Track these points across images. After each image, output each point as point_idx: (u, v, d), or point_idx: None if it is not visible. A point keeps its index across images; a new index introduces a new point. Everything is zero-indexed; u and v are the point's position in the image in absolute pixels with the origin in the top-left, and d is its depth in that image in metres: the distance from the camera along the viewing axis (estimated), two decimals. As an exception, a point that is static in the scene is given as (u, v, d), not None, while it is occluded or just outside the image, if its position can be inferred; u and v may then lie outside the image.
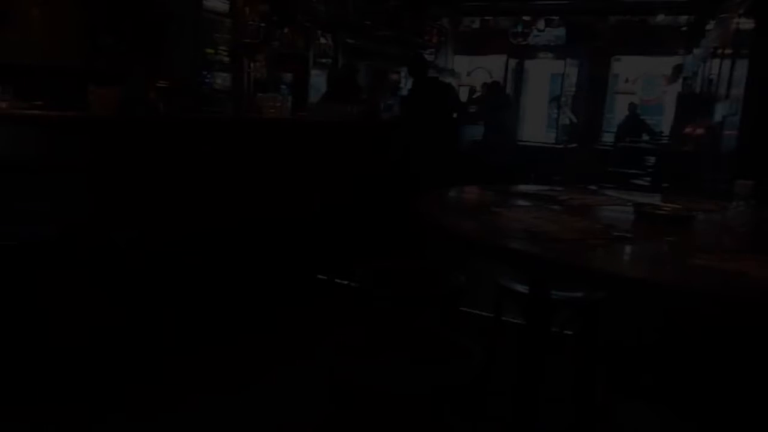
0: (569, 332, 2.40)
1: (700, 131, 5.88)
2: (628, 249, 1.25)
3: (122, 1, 4.28)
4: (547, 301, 1.71)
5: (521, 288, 2.11)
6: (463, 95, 8.00)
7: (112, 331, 2.43)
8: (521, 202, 1.80)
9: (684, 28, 8.19)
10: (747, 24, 4.42)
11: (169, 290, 2.66)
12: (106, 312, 2.43)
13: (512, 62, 9.83)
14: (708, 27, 6.84)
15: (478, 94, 8.30)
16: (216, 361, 2.60)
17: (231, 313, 2.96)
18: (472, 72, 10.21)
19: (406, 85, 9.08)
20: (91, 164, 2.36)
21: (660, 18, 8.51)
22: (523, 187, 2.19)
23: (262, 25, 5.83)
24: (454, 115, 5.07)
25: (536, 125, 10.13)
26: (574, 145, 8.81)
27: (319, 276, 3.82)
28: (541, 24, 9.27)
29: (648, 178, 6.72)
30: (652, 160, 7.13)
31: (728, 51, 5.08)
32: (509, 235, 1.19)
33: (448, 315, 2.02)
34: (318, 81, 7.05)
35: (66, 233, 2.28)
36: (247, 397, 2.32)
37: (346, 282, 3.80)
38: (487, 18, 9.62)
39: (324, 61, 7.15)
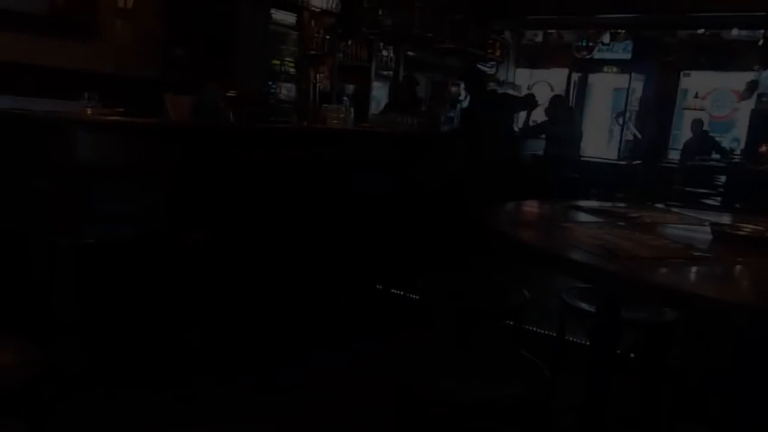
0: (632, 353, 2.33)
1: (776, 150, 5.60)
2: (709, 269, 1.21)
3: (195, 16, 4.47)
4: (618, 320, 1.67)
5: (587, 306, 2.07)
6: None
7: (177, 325, 2.54)
8: (591, 218, 1.77)
9: (760, 43, 7.84)
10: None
11: (231, 292, 2.74)
12: (175, 308, 2.54)
13: (575, 76, 9.66)
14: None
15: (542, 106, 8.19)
16: (273, 363, 2.66)
17: (290, 317, 3.01)
18: (533, 86, 10.09)
19: (467, 97, 9.09)
20: (169, 169, 2.47)
21: (734, 33, 8.18)
22: (589, 203, 2.15)
23: (327, 37, 5.97)
24: (515, 129, 5.02)
25: (598, 140, 9.89)
26: (638, 161, 8.55)
27: (377, 286, 3.84)
28: (606, 38, 9.07)
29: (718, 198, 6.44)
30: (722, 179, 6.83)
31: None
32: (586, 251, 1.17)
33: (510, 330, 2.00)
34: (379, 93, 7.15)
35: (145, 234, 2.39)
36: (306, 402, 2.36)
37: (401, 292, 3.82)
38: (550, 31, 9.51)
39: (385, 73, 7.25)
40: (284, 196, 2.98)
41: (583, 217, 1.79)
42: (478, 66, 7.16)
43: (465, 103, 8.44)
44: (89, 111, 2.49)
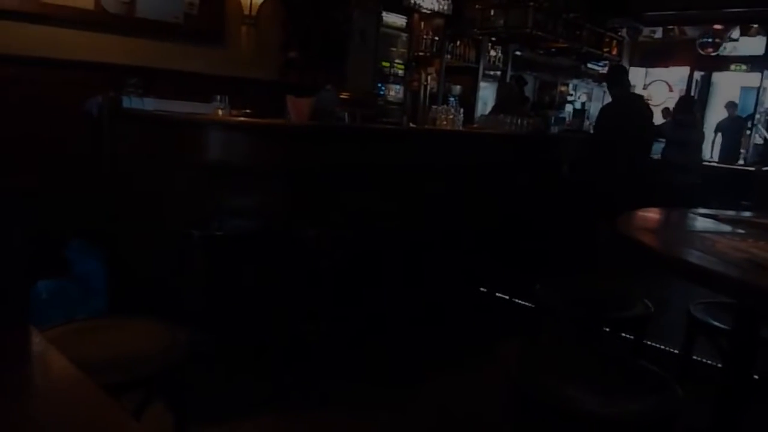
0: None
1: None
2: None
3: (311, 21, 4.65)
4: (757, 340, 1.55)
5: (718, 322, 1.94)
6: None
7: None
8: (728, 228, 1.65)
9: None
10: None
11: (343, 288, 2.83)
12: (290, 299, 2.67)
13: (697, 74, 9.02)
14: None
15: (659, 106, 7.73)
16: (382, 358, 2.72)
17: (400, 313, 3.06)
18: (649, 85, 9.55)
19: (579, 97, 8.75)
20: (290, 167, 2.60)
21: None
22: (725, 213, 2.00)
23: (436, 38, 5.99)
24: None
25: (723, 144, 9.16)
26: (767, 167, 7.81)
27: (481, 289, 3.81)
28: (735, 33, 8.39)
29: None
30: None
31: None
32: (731, 264, 1.10)
33: (630, 343, 1.92)
34: (485, 93, 7.08)
35: (266, 228, 2.53)
36: (418, 400, 2.39)
37: (507, 297, 3.76)
38: (670, 27, 8.93)
39: (492, 73, 7.16)
40: (395, 196, 3.03)
41: (722, 227, 1.68)
42: (621, 65, 6.86)
43: (578, 104, 8.15)
44: (220, 112, 2.67)
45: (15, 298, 0.60)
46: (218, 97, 2.66)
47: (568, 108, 8.29)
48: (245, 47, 4.16)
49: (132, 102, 2.73)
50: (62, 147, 3.16)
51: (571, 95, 8.45)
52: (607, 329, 1.83)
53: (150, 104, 2.73)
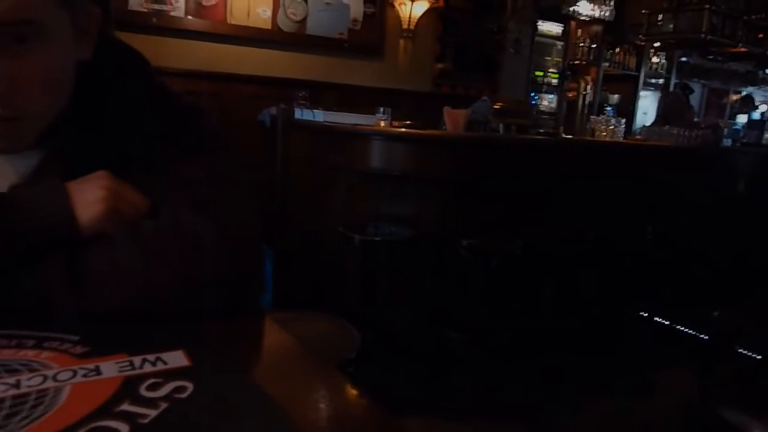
0: None
1: None
2: None
3: (466, 32, 4.70)
4: None
5: None
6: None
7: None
8: None
9: None
10: None
11: (493, 299, 2.82)
12: (441, 306, 2.71)
13: None
14: None
15: None
16: (531, 372, 2.66)
17: (551, 328, 2.98)
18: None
19: (758, 106, 7.87)
20: (446, 177, 2.65)
21: None
22: None
23: (593, 46, 5.76)
24: None
25: None
26: None
27: (641, 313, 3.58)
28: None
29: None
30: None
31: None
32: None
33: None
34: (644, 103, 6.64)
35: (419, 236, 2.60)
36: (576, 416, 2.32)
37: (667, 322, 3.49)
38: None
39: (653, 81, 6.71)
40: (550, 209, 2.96)
41: None
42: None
43: (757, 114, 7.32)
44: (382, 123, 2.80)
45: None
46: (381, 109, 2.78)
47: (742, 118, 7.50)
48: (402, 60, 4.32)
49: (303, 113, 2.95)
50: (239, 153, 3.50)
51: (753, 105, 7.63)
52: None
53: (319, 116, 2.94)
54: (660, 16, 4.81)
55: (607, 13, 5.37)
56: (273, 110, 3.26)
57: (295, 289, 3.04)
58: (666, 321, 3.52)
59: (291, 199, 3.12)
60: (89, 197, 0.63)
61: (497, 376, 2.63)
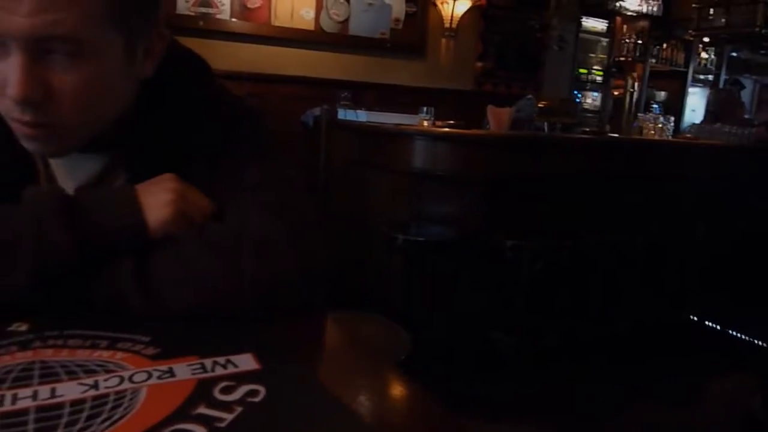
0: None
1: None
2: None
3: (508, 30, 4.64)
4: None
5: None
6: None
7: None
8: None
9: None
10: None
11: (537, 300, 2.77)
12: (484, 308, 2.69)
13: None
14: None
15: None
16: (576, 376, 2.61)
17: (597, 331, 2.91)
18: None
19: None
20: (490, 177, 2.62)
21: None
22: None
23: (639, 42, 5.60)
24: None
25: None
26: None
27: (691, 317, 3.46)
28: None
29: None
30: None
31: None
32: None
33: None
34: (692, 99, 6.43)
35: (462, 236, 2.58)
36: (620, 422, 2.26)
37: (717, 327, 3.37)
38: None
39: (702, 77, 6.49)
40: (596, 209, 2.89)
41: None
42: None
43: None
44: (425, 123, 2.79)
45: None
46: (425, 109, 2.77)
47: (797, 115, 7.18)
48: (444, 59, 4.29)
49: (346, 114, 2.97)
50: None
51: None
52: None
53: (362, 116, 2.95)
54: (711, 10, 4.65)
55: (655, 8, 5.21)
56: (316, 111, 3.28)
57: (336, 289, 3.05)
58: (717, 326, 3.40)
59: (334, 199, 3.14)
60: (158, 200, 0.64)
61: (541, 380, 2.58)
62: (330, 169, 3.09)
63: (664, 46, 5.88)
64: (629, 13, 5.29)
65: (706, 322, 3.44)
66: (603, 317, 2.98)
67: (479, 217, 2.69)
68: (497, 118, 3.06)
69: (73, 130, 0.67)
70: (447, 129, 2.75)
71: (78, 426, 0.43)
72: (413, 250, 2.62)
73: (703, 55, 6.30)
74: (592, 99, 5.30)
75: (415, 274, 2.69)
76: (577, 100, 5.11)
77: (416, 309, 2.69)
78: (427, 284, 2.71)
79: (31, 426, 0.42)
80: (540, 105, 3.96)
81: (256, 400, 0.47)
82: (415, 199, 2.70)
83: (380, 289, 2.84)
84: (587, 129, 3.83)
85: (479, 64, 4.55)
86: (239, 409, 0.45)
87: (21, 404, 0.45)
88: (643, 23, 5.55)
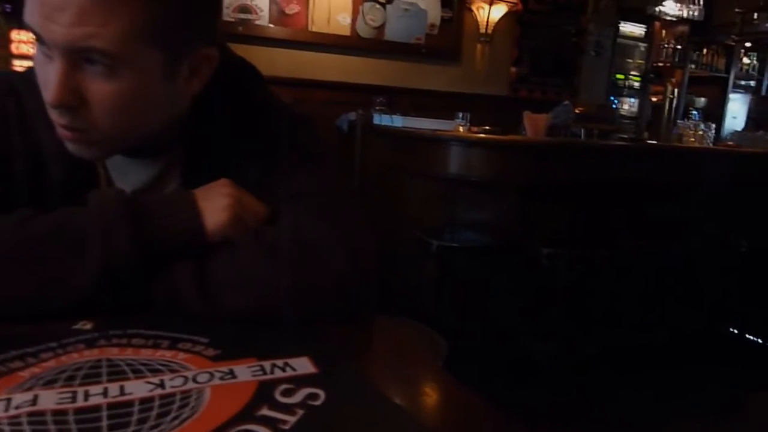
0: None
1: None
2: None
3: (544, 35, 4.60)
4: None
5: None
6: None
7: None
8: None
9: None
10: None
11: (574, 309, 2.73)
12: (518, 315, 2.66)
13: None
14: None
15: None
16: (613, 389, 2.56)
17: (635, 341, 2.86)
18: None
19: None
20: (526, 183, 2.60)
21: None
22: None
23: (678, 47, 5.50)
24: None
25: None
26: None
27: (731, 329, 3.37)
28: None
29: None
30: None
31: None
32: None
33: None
34: (734, 106, 6.28)
35: (497, 242, 2.56)
36: None
37: (760, 341, 3.27)
38: None
39: (744, 83, 6.33)
40: (635, 218, 2.84)
41: None
42: None
43: None
44: (461, 128, 2.78)
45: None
46: (460, 114, 2.77)
47: None
48: (479, 64, 4.28)
49: (381, 119, 2.98)
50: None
51: None
52: None
53: (398, 121, 2.96)
54: (756, 15, 4.53)
55: (696, 13, 5.10)
56: (351, 116, 3.31)
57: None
58: (759, 339, 3.30)
59: (368, 204, 3.15)
60: (215, 205, 0.66)
61: (577, 388, 2.55)
62: (364, 173, 3.11)
63: (704, 51, 5.76)
64: (668, 18, 5.19)
65: (747, 335, 3.34)
66: (640, 325, 2.92)
67: (514, 224, 2.67)
68: (534, 124, 3.03)
69: (108, 137, 0.69)
70: (483, 135, 2.74)
71: (149, 424, 0.44)
72: (447, 256, 2.61)
73: (745, 60, 6.15)
74: (629, 105, 5.21)
75: (449, 280, 2.69)
76: (614, 106, 5.04)
77: (449, 315, 2.68)
78: (461, 291, 2.70)
79: (104, 423, 0.44)
80: (576, 111, 3.92)
81: (317, 403, 0.48)
82: (450, 205, 2.69)
83: (413, 295, 2.83)
84: (625, 136, 3.77)
85: (514, 69, 4.52)
86: (301, 412, 0.46)
87: (93, 401, 0.47)
88: (683, 28, 5.45)
